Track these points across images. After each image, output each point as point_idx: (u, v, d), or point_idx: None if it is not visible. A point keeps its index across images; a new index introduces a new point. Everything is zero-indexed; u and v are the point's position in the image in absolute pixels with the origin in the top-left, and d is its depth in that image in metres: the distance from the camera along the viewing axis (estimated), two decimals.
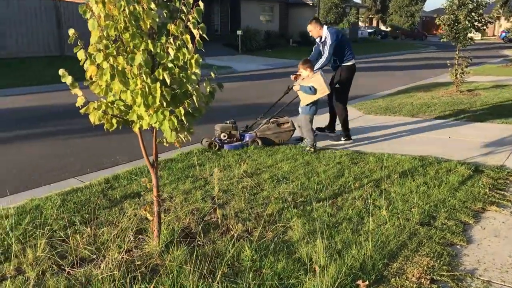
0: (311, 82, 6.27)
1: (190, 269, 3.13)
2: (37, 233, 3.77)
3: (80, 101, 3.25)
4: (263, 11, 36.82)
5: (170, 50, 2.93)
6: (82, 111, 3.27)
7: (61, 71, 3.18)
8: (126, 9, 2.91)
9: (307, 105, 6.35)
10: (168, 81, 2.94)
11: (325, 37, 6.67)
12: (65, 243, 3.62)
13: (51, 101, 11.57)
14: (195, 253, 3.43)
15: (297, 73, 6.68)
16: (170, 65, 2.96)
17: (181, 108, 3.06)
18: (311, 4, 36.27)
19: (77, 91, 3.23)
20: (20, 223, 3.99)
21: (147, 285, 3.03)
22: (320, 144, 6.72)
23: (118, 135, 6.91)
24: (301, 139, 6.85)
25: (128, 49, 3.08)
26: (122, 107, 3.23)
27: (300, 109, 6.50)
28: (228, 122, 6.68)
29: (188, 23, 3.05)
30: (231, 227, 3.89)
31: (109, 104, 3.22)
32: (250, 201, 4.50)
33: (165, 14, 3.23)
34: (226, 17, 32.19)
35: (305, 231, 3.78)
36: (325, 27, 6.78)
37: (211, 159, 5.89)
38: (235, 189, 4.82)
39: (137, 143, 3.45)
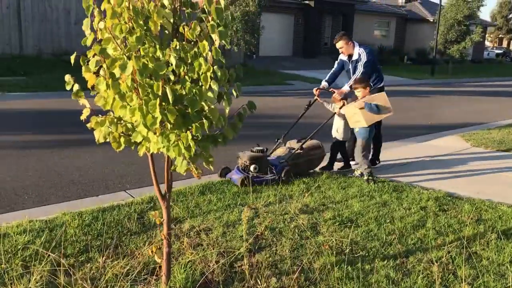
0: (375, 100, 5.36)
1: None
2: (45, 257, 3.35)
3: (85, 114, 2.75)
4: (378, 26, 35.25)
5: (171, 59, 2.29)
6: (88, 125, 2.76)
7: (67, 77, 2.70)
8: (129, 4, 2.34)
9: (368, 127, 5.46)
10: (170, 97, 2.30)
11: (359, 55, 5.98)
12: (68, 276, 3.13)
13: None
14: None
15: (327, 88, 6.12)
16: (172, 77, 2.33)
17: (188, 132, 2.40)
18: (431, 20, 33.92)
19: (83, 101, 2.73)
20: (34, 241, 3.62)
21: None
22: (405, 179, 5.68)
23: None
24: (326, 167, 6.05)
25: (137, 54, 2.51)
26: (129, 125, 2.66)
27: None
28: (254, 149, 5.56)
29: (207, 24, 2.40)
30: (259, 281, 3.14)
31: (116, 120, 2.67)
32: (298, 247, 3.70)
33: (186, 15, 2.60)
34: (338, 30, 31.22)
35: None
36: (357, 44, 6.09)
37: (271, 186, 5.16)
38: (285, 229, 4.04)
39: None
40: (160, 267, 3.27)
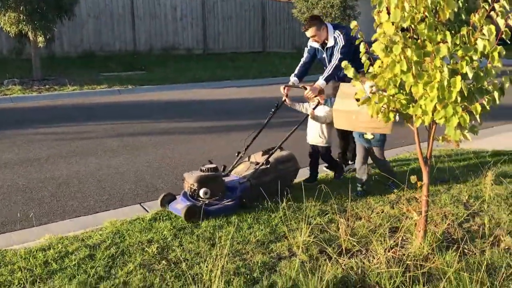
0: None
1: (469, 277, 2.90)
2: (297, 217, 3.96)
3: (360, 94, 3.29)
4: None
5: (479, 41, 2.73)
6: (359, 103, 3.30)
7: (344, 64, 3.26)
8: None
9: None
10: (470, 75, 2.76)
11: (335, 39, 4.85)
12: (325, 232, 3.71)
13: (263, 94, 12.09)
14: (464, 261, 3.20)
15: (298, 84, 5.02)
16: (475, 58, 2.78)
17: (477, 104, 2.84)
18: None
19: (358, 83, 3.27)
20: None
21: None
22: None
23: None
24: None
25: (418, 41, 2.98)
26: (403, 101, 3.15)
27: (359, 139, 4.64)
28: (205, 167, 4.25)
29: (492, 12, 2.82)
30: (502, 238, 3.54)
31: (391, 97, 3.17)
32: (510, 212, 4.06)
33: (460, 4, 3.04)
34: None
35: None
36: (329, 26, 4.93)
37: (456, 160, 5.50)
38: (486, 196, 4.41)
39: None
40: (396, 228, 3.76)
